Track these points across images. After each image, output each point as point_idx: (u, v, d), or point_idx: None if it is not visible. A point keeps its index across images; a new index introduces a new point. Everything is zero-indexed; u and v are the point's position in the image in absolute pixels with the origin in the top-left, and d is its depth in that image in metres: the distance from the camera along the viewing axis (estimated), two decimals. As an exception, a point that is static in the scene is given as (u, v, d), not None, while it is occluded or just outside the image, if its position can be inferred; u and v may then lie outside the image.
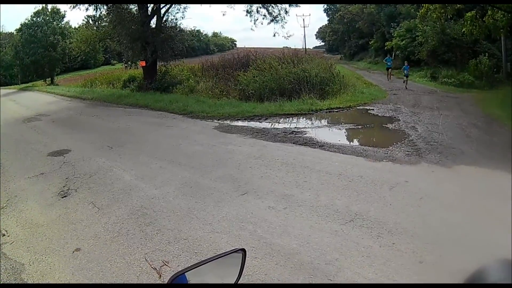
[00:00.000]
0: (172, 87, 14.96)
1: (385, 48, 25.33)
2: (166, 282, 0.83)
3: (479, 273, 0.62)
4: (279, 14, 15.48)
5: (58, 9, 32.55)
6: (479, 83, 14.05)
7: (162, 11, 15.82)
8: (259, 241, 3.08)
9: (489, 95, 11.66)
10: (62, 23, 34.78)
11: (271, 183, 4.39)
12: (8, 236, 3.59)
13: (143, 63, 15.29)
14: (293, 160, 5.21)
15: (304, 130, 7.26)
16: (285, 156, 5.46)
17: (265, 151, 5.77)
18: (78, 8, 14.78)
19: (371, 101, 10.57)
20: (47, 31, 32.67)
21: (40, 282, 2.78)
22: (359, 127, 7.84)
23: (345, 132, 7.48)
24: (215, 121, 8.65)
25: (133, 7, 15.45)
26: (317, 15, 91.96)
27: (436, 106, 9.85)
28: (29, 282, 2.79)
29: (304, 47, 34.89)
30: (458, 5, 13.39)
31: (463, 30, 14.74)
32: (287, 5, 15.39)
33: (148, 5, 15.26)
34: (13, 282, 2.79)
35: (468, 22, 14.10)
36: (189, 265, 0.86)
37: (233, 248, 0.95)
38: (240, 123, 8.28)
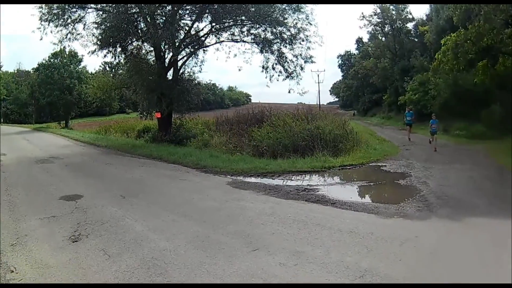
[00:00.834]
0: (186, 140, 14.99)
1: (398, 102, 26.01)
2: None
3: None
4: (295, 70, 15.59)
5: (76, 53, 33.88)
6: (492, 134, 13.96)
7: (179, 63, 15.97)
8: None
9: (502, 145, 11.58)
10: (79, 67, 36.06)
11: (283, 239, 4.45)
12: (17, 273, 3.67)
13: (159, 115, 15.44)
14: (305, 218, 5.26)
15: (317, 187, 7.33)
16: (297, 213, 5.52)
17: (277, 208, 5.84)
18: (96, 54, 14.85)
19: (383, 157, 10.66)
20: (64, 73, 33.66)
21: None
22: (371, 183, 7.92)
23: (357, 189, 7.58)
24: (228, 176, 8.72)
25: (151, 58, 15.89)
26: (331, 70, 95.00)
27: (447, 160, 9.89)
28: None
29: (318, 103, 36.40)
30: (470, 55, 13.56)
31: (475, 80, 14.93)
32: (302, 62, 15.47)
33: (166, 56, 15.50)
34: None
35: (480, 71, 14.38)
36: None
37: None
38: (253, 179, 8.37)
